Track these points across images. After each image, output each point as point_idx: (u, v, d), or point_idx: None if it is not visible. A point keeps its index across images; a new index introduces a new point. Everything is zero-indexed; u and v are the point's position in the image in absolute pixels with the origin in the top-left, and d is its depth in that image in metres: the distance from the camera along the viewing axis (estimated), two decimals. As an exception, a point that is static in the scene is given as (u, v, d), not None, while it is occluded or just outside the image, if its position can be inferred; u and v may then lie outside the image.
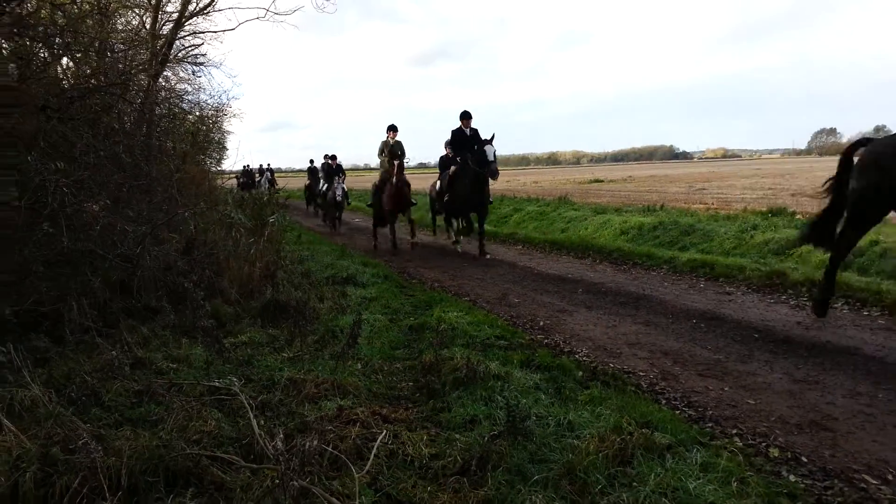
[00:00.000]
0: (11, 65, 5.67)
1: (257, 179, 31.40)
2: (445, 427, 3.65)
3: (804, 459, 3.37)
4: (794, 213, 11.73)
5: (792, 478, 3.15)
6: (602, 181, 37.80)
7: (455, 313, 6.30)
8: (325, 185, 19.17)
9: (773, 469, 3.25)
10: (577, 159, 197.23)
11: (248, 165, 33.60)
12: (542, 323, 6.40)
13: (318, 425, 3.52)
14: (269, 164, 33.57)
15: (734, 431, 3.73)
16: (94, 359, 4.46)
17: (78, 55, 6.83)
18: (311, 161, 24.81)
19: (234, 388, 3.95)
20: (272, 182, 32.90)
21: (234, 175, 35.53)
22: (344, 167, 20.37)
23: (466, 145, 11.31)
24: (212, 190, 12.04)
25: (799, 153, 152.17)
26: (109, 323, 5.31)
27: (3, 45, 5.70)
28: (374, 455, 3.20)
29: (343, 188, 17.74)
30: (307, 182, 25.23)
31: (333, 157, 19.89)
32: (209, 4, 11.67)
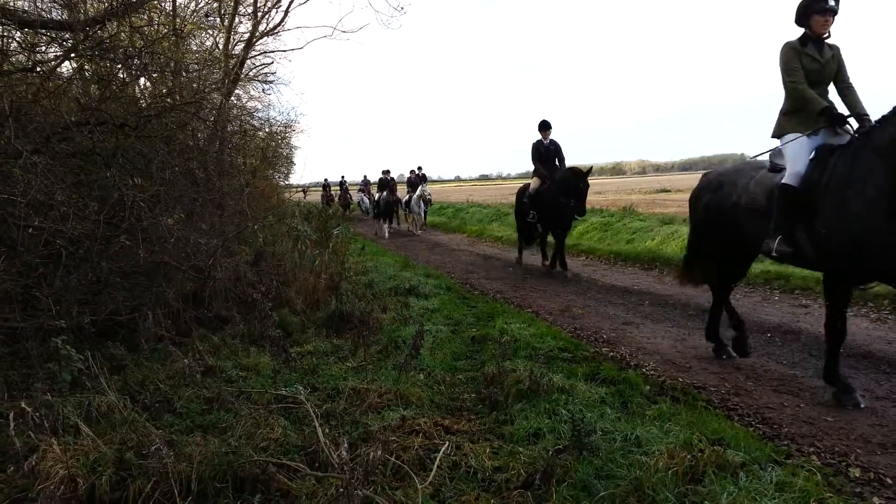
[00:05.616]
0: (93, 86, 5.98)
1: (406, 197, 21.02)
2: (508, 440, 3.61)
3: (889, 481, 3.18)
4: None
5: (876, 500, 2.98)
6: (669, 191, 36.78)
7: (517, 325, 6.25)
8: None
9: (853, 490, 3.08)
10: (643, 169, 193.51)
11: (386, 172, 22.16)
12: (606, 336, 6.27)
13: (381, 435, 3.54)
14: (419, 169, 22.97)
15: (811, 450, 3.56)
16: (167, 366, 4.64)
17: (154, 75, 7.15)
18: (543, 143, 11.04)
19: (300, 396, 4.01)
20: (427, 201, 20.61)
21: (328, 186, 28.82)
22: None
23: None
24: (280, 203, 12.36)
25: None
26: (182, 332, 5.51)
27: (86, 67, 6.01)
28: (437, 466, 3.19)
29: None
30: (530, 192, 11.00)
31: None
32: (279, 25, 12.07)
